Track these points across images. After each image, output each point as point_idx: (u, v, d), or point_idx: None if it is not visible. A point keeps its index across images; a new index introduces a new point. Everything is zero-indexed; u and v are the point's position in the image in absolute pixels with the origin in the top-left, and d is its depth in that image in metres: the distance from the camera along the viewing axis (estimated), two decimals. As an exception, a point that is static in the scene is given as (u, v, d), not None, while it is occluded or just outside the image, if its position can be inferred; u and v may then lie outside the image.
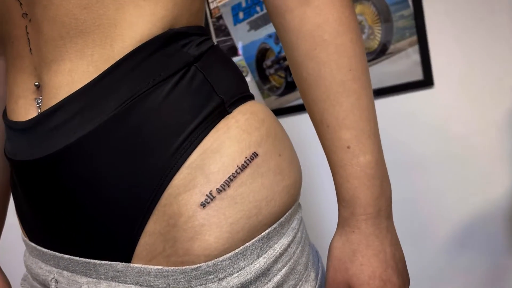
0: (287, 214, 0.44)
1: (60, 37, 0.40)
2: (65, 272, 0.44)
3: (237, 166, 0.40)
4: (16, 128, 0.44)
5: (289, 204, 0.44)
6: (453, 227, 1.22)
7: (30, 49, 0.43)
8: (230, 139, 0.40)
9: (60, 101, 0.40)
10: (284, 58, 1.25)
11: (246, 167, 0.40)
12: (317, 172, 1.19)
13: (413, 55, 1.15)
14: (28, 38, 0.43)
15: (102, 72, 0.40)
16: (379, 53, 1.18)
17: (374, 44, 1.19)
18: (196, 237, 0.38)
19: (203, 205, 0.39)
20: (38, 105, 0.44)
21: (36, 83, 0.43)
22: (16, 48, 0.44)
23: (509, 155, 1.16)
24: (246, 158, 0.40)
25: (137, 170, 0.39)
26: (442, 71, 1.16)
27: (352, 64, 0.42)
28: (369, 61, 1.20)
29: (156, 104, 0.39)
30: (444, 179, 1.20)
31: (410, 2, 1.13)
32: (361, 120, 0.42)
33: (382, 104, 1.19)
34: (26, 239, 0.50)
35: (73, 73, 0.40)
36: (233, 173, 0.39)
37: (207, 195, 0.39)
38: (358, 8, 1.18)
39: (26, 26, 0.42)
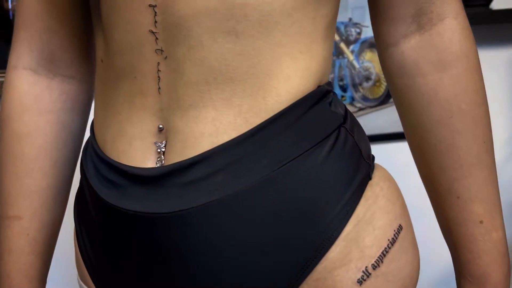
0: None
1: (205, 82, 0.36)
2: None
3: (388, 240, 0.38)
4: (129, 173, 0.38)
5: (418, 278, 0.42)
6: (437, 272, 1.26)
7: (159, 88, 0.38)
8: (380, 210, 0.38)
9: (203, 153, 0.36)
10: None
11: (395, 241, 0.38)
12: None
13: (418, 107, 1.20)
14: (159, 76, 0.38)
15: (255, 127, 0.36)
16: (383, 99, 1.22)
17: (380, 91, 1.23)
18: None
19: (360, 282, 0.36)
20: (159, 150, 0.38)
21: (160, 125, 0.38)
22: (139, 84, 0.38)
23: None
24: (394, 231, 0.38)
25: (287, 238, 0.35)
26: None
27: (486, 136, 0.42)
28: (372, 107, 1.23)
29: (314, 168, 0.36)
30: (433, 228, 1.24)
31: (420, 57, 1.19)
32: (493, 194, 0.42)
33: (380, 151, 1.22)
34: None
35: (217, 123, 0.36)
36: (386, 248, 0.37)
37: (363, 271, 0.36)
38: (368, 55, 1.22)
39: (158, 63, 0.37)
